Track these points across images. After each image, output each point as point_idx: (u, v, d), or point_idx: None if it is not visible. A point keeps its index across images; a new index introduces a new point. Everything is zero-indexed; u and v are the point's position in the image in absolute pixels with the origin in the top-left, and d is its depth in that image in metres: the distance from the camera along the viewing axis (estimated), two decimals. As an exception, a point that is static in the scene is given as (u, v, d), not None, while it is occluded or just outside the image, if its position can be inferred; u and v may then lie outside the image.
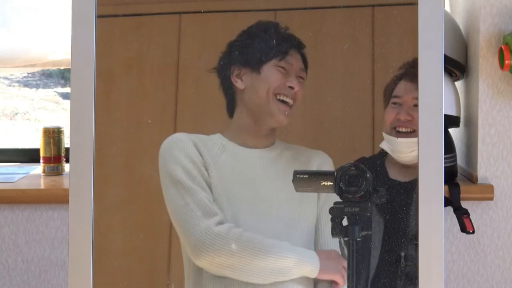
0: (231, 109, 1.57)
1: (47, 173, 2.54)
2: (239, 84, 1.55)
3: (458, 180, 2.30)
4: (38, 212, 2.40)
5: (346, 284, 1.42)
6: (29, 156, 2.79)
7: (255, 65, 1.55)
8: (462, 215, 2.19)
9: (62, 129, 2.57)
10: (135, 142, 1.60)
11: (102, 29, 1.53)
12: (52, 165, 2.54)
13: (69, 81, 1.66)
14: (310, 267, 1.50)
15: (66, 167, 2.56)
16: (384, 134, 1.54)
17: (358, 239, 1.42)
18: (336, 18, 1.57)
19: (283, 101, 1.54)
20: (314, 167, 1.51)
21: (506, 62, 2.14)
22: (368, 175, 1.42)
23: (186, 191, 1.54)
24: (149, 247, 1.58)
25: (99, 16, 1.53)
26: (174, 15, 1.60)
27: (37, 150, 2.61)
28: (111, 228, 1.58)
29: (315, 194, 1.53)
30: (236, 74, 1.55)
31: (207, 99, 1.59)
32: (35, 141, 3.06)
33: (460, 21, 2.43)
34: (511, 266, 2.32)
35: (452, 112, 2.26)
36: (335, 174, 1.43)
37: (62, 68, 2.83)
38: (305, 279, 1.52)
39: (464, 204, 2.22)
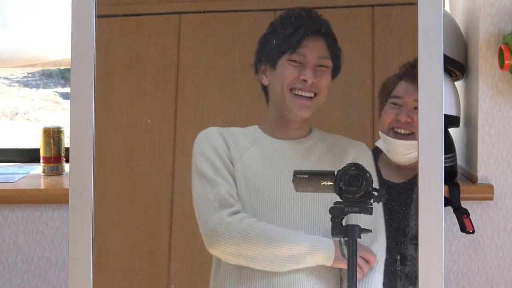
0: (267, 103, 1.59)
1: (47, 173, 2.54)
2: (264, 80, 1.56)
3: (458, 180, 2.30)
4: (38, 212, 2.40)
5: (346, 284, 1.42)
6: (29, 156, 2.79)
7: (273, 61, 1.56)
8: (462, 215, 2.19)
9: (62, 129, 2.57)
10: (135, 142, 1.60)
11: (102, 29, 1.54)
12: (52, 165, 2.54)
13: (69, 81, 1.66)
14: (325, 254, 1.50)
15: (66, 167, 2.56)
16: (380, 133, 1.54)
17: (358, 239, 1.42)
18: (336, 18, 1.57)
19: (299, 95, 1.54)
20: (349, 160, 1.49)
21: (506, 62, 2.14)
22: (368, 175, 1.42)
23: (208, 182, 1.55)
24: (149, 247, 1.58)
25: (99, 16, 1.53)
26: (174, 15, 1.60)
27: (37, 150, 2.60)
28: (111, 228, 1.58)
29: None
30: (262, 70, 1.57)
31: (207, 99, 1.59)
32: (35, 141, 3.06)
33: (460, 21, 2.43)
34: (511, 266, 2.32)
35: (452, 112, 2.26)
36: (335, 174, 1.43)
37: (62, 68, 2.83)
38: (330, 271, 1.51)
39: (464, 204, 2.22)
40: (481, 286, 2.33)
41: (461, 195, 2.22)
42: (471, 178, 2.31)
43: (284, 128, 1.57)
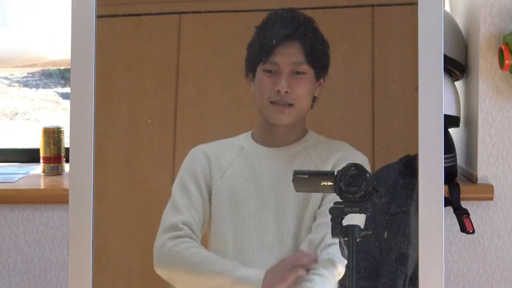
0: None
1: (47, 173, 2.54)
2: (252, 87, 1.55)
3: (458, 180, 2.30)
4: (38, 212, 2.40)
5: (346, 284, 1.42)
6: (29, 156, 2.79)
7: (253, 71, 1.55)
8: (462, 215, 2.19)
9: (62, 129, 2.57)
10: (135, 142, 1.60)
11: (102, 29, 1.54)
12: (52, 165, 2.54)
13: (69, 81, 1.66)
14: (250, 286, 1.50)
15: (66, 167, 2.56)
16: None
17: (358, 239, 1.42)
18: (336, 18, 1.56)
19: (278, 104, 1.53)
20: (330, 165, 1.49)
21: (506, 62, 2.14)
22: (368, 175, 1.42)
23: (172, 205, 1.56)
24: (149, 247, 1.58)
25: (99, 16, 1.53)
26: (174, 15, 1.60)
27: (37, 150, 2.60)
28: (111, 228, 1.58)
29: (318, 196, 1.52)
30: (249, 78, 1.55)
31: (207, 99, 1.59)
32: (35, 141, 3.06)
33: (460, 21, 2.43)
34: (511, 266, 2.32)
35: (452, 112, 2.26)
36: (335, 174, 1.43)
37: (62, 68, 2.83)
38: None
39: (464, 204, 2.22)
40: (481, 286, 2.33)
41: (461, 195, 2.22)
42: (471, 178, 2.31)
43: (271, 134, 1.56)
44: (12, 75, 3.44)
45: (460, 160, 2.42)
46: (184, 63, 1.59)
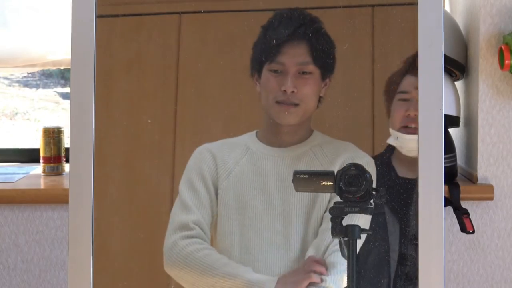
0: None
1: (47, 173, 2.54)
2: (257, 87, 1.55)
3: (458, 180, 2.30)
4: (38, 212, 2.40)
5: (346, 284, 1.42)
6: (29, 156, 2.79)
7: (258, 71, 1.55)
8: (462, 215, 2.19)
9: (62, 129, 2.57)
10: (135, 142, 1.60)
11: (102, 29, 1.53)
12: (52, 165, 2.54)
13: (69, 81, 1.66)
14: None
15: (66, 167, 2.56)
16: (392, 131, 1.53)
17: (358, 239, 1.42)
18: (336, 18, 1.56)
19: (283, 103, 1.53)
20: (336, 167, 1.48)
21: (506, 62, 2.14)
22: (368, 175, 1.42)
23: (181, 203, 1.55)
24: (149, 247, 1.58)
25: (99, 16, 1.53)
26: (174, 15, 1.60)
27: (37, 150, 2.60)
28: (111, 228, 1.58)
29: (324, 195, 1.52)
30: (255, 78, 1.55)
31: (207, 99, 1.59)
32: (35, 141, 3.05)
33: (460, 21, 2.43)
34: (511, 266, 2.32)
35: (452, 112, 2.26)
36: (335, 174, 1.43)
37: (62, 68, 2.83)
38: None
39: (464, 204, 2.22)
40: (481, 286, 2.33)
41: (461, 195, 2.22)
42: (471, 178, 2.31)
43: (277, 134, 1.56)
44: (12, 75, 3.44)
45: (460, 160, 2.42)
46: (184, 63, 1.59)
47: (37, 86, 3.53)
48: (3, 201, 2.37)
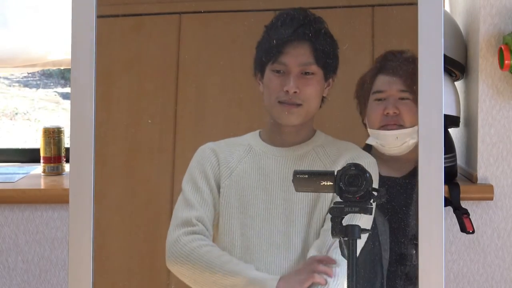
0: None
1: (47, 173, 2.54)
2: (260, 87, 1.55)
3: (458, 180, 2.30)
4: (38, 212, 2.40)
5: (346, 284, 1.41)
6: (29, 156, 2.79)
7: (261, 70, 1.55)
8: (462, 215, 2.19)
9: (62, 129, 2.57)
10: (135, 142, 1.60)
11: (102, 29, 1.54)
12: (52, 165, 2.54)
13: (69, 81, 1.66)
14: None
15: (66, 167, 2.56)
16: (371, 131, 1.53)
17: (358, 239, 1.42)
18: (336, 18, 1.56)
19: (286, 103, 1.53)
20: (339, 167, 1.48)
21: (506, 62, 2.14)
22: (368, 175, 1.42)
23: (184, 200, 1.55)
24: (149, 247, 1.58)
25: (99, 16, 1.53)
26: (174, 15, 1.60)
27: (37, 150, 2.60)
28: (111, 228, 1.58)
29: (327, 196, 1.52)
30: (258, 77, 1.55)
31: (207, 99, 1.59)
32: (35, 141, 3.06)
33: (460, 21, 2.43)
34: (511, 266, 2.32)
35: (452, 112, 2.26)
36: (335, 174, 1.43)
37: (62, 68, 2.83)
38: None
39: (464, 204, 2.22)
40: (481, 286, 2.33)
41: (461, 195, 2.21)
42: (471, 178, 2.31)
43: (280, 134, 1.56)
44: (12, 75, 3.44)
45: (460, 160, 2.42)
46: (184, 63, 1.59)
47: (37, 86, 3.53)
48: (3, 201, 2.37)
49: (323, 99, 1.54)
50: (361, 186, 1.42)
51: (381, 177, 1.53)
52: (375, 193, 1.43)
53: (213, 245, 1.53)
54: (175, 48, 1.59)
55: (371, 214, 1.43)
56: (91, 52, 1.52)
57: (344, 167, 1.43)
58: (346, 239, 1.41)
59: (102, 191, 1.54)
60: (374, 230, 1.50)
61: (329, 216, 1.45)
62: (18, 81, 3.50)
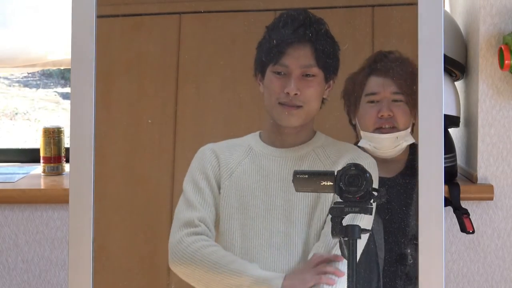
0: None
1: (47, 173, 2.54)
2: (261, 88, 1.55)
3: (458, 180, 2.30)
4: (38, 212, 2.40)
5: (346, 284, 1.42)
6: (29, 156, 2.79)
7: (262, 71, 1.55)
8: (462, 215, 2.19)
9: (62, 129, 2.57)
10: (135, 142, 1.60)
11: (102, 29, 1.54)
12: (52, 165, 2.54)
13: (69, 81, 1.66)
14: (269, 287, 1.50)
15: (66, 167, 2.56)
16: (364, 133, 1.53)
17: (358, 239, 1.42)
18: (336, 18, 1.56)
19: (286, 105, 1.53)
20: (339, 167, 1.47)
21: (506, 62, 2.14)
22: (368, 175, 1.42)
23: (185, 201, 1.55)
24: (149, 247, 1.58)
25: (99, 16, 1.53)
26: (174, 15, 1.60)
27: (37, 150, 2.60)
28: (111, 228, 1.58)
29: (327, 197, 1.52)
30: (258, 78, 1.55)
31: (207, 99, 1.59)
32: (35, 141, 3.05)
33: (460, 21, 2.43)
34: (511, 266, 2.32)
35: (452, 112, 2.26)
36: (335, 174, 1.43)
37: (62, 68, 2.83)
38: None
39: (464, 204, 2.22)
40: (481, 286, 2.33)
41: (461, 195, 2.22)
42: (471, 178, 2.31)
43: (279, 135, 1.56)
44: (12, 75, 3.44)
45: (460, 160, 2.42)
46: (184, 63, 1.59)
47: (37, 86, 3.53)
48: (3, 201, 2.37)
49: (323, 100, 1.54)
50: (361, 186, 1.42)
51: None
52: (375, 193, 1.43)
53: (216, 245, 1.53)
54: (175, 48, 1.59)
55: (371, 214, 1.43)
56: (91, 52, 1.52)
57: (344, 167, 1.43)
58: (346, 239, 1.41)
59: (102, 191, 1.54)
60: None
61: (329, 218, 1.45)
62: (18, 81, 3.50)
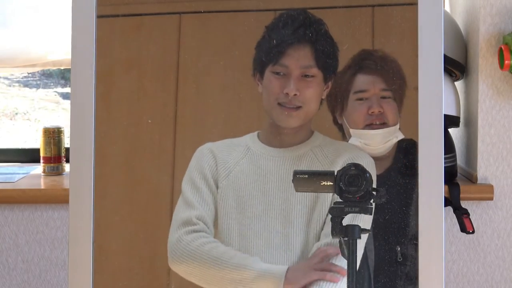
0: None
1: (47, 173, 2.54)
2: (259, 88, 1.55)
3: (458, 180, 2.30)
4: (38, 212, 2.40)
5: (346, 284, 1.42)
6: (29, 156, 2.79)
7: (261, 72, 1.54)
8: (462, 215, 2.19)
9: (62, 129, 2.57)
10: (135, 142, 1.60)
11: (102, 29, 1.54)
12: (52, 165, 2.54)
13: (69, 81, 1.66)
14: (272, 280, 1.50)
15: (66, 167, 2.56)
16: (354, 131, 1.53)
17: (358, 239, 1.42)
18: (336, 19, 1.56)
19: (285, 106, 1.53)
20: (337, 167, 1.48)
21: (506, 62, 2.14)
22: (368, 175, 1.42)
23: (184, 201, 1.55)
24: (149, 247, 1.58)
25: (99, 16, 1.53)
26: (174, 15, 1.60)
27: (37, 150, 2.60)
28: (111, 228, 1.58)
29: (326, 197, 1.52)
30: (257, 78, 1.55)
31: (207, 99, 1.59)
32: (35, 141, 3.05)
33: (460, 21, 2.43)
34: (511, 266, 2.32)
35: (452, 112, 2.26)
36: (335, 174, 1.43)
37: (62, 68, 2.83)
38: None
39: (464, 204, 2.22)
40: (481, 286, 2.33)
41: (461, 195, 2.22)
42: (471, 178, 2.31)
43: (278, 135, 1.56)
44: (12, 75, 3.44)
45: (460, 160, 2.42)
46: (184, 63, 1.59)
47: (37, 86, 3.53)
48: (3, 201, 2.37)
49: (322, 101, 1.54)
50: (361, 186, 1.42)
51: None
52: (375, 193, 1.43)
53: (216, 241, 1.53)
54: (175, 48, 1.59)
55: (371, 214, 1.43)
56: (91, 52, 1.52)
57: (344, 167, 1.43)
58: (346, 239, 1.41)
59: (102, 191, 1.54)
60: None
61: (328, 219, 1.45)
62: (18, 81, 3.50)
